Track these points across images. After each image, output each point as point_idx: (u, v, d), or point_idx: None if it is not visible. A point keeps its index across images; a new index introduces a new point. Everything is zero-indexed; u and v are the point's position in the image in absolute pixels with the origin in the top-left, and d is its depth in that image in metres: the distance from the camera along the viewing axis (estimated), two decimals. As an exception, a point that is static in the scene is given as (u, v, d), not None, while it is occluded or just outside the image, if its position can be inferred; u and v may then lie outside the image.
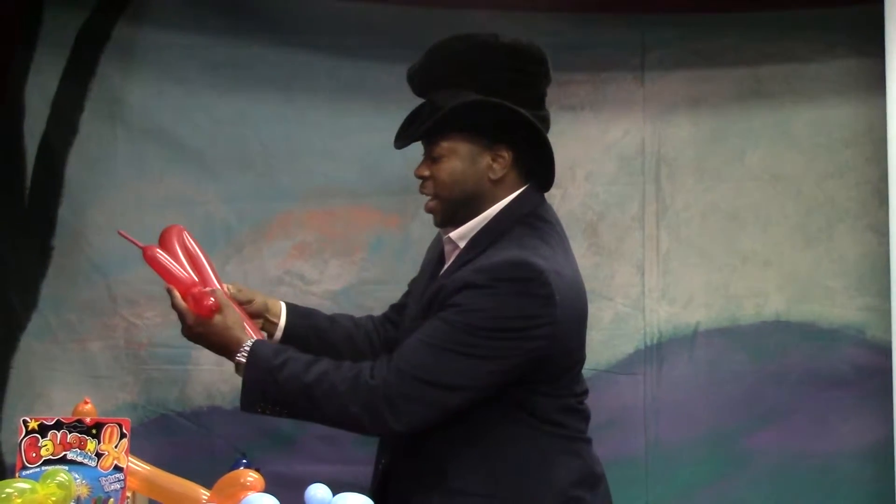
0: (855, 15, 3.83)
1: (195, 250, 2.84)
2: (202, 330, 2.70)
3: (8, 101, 3.74)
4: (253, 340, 2.68)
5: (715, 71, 3.92)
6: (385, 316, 3.15)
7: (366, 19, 3.85)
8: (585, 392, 2.81)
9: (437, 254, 2.89)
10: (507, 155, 2.71)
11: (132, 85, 3.88)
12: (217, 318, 2.69)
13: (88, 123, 3.88)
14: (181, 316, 2.71)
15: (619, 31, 3.90)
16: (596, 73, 3.92)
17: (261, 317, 2.93)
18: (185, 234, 2.85)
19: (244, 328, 2.73)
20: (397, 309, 3.11)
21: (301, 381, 2.57)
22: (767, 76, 3.92)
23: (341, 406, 2.56)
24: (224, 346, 2.69)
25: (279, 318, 2.96)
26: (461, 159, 2.71)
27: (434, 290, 2.68)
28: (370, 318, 3.14)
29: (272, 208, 3.93)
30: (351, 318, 3.13)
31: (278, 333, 2.95)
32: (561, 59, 3.76)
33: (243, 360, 2.63)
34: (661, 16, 3.88)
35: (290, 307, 3.01)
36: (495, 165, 2.71)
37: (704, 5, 3.87)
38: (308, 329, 2.98)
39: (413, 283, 3.05)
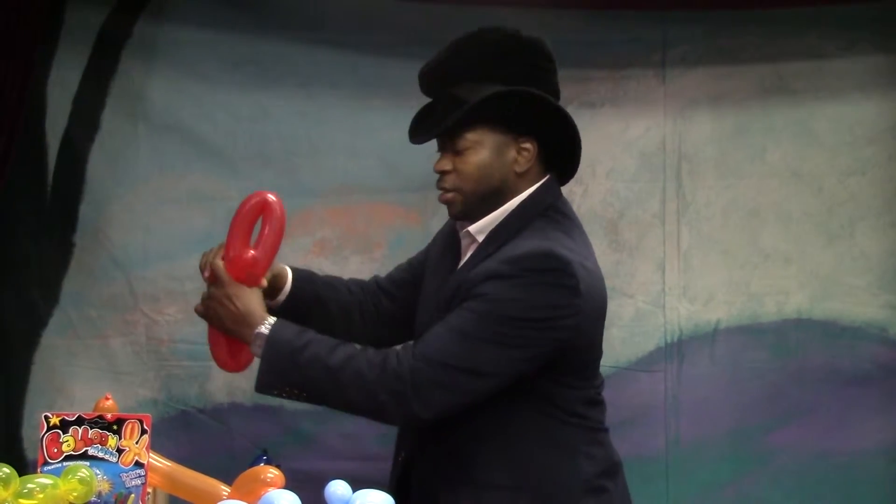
0: (878, 11, 3.82)
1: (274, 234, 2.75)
2: (227, 292, 2.64)
3: (30, 99, 3.75)
4: (274, 319, 2.63)
5: (736, 67, 3.91)
6: (379, 286, 3.07)
7: (387, 16, 3.85)
8: (602, 382, 2.82)
9: (451, 245, 2.87)
10: (531, 147, 2.70)
11: (153, 82, 3.89)
12: (246, 289, 2.65)
13: (110, 120, 3.90)
14: (216, 272, 2.66)
15: (641, 28, 3.89)
16: (617, 70, 3.92)
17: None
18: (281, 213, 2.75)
19: (265, 307, 2.69)
20: (396, 283, 3.06)
21: (325, 363, 2.54)
22: (789, 73, 3.91)
23: (369, 392, 2.53)
24: (244, 317, 2.62)
25: (286, 280, 2.89)
26: (488, 151, 2.69)
27: (454, 284, 2.67)
28: (361, 288, 3.06)
29: (293, 205, 3.87)
30: (346, 288, 3.04)
31: (282, 297, 2.88)
32: (582, 55, 3.78)
33: (265, 331, 2.58)
34: (683, 12, 3.87)
35: (294, 270, 2.93)
36: (520, 158, 2.70)
37: (726, 2, 3.86)
38: (310, 295, 2.92)
39: (417, 263, 3.03)
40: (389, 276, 3.10)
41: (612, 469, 2.76)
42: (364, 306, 3.01)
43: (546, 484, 2.64)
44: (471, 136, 2.68)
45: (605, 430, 2.79)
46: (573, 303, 2.57)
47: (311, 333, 2.61)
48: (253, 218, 2.73)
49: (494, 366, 2.55)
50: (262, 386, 2.59)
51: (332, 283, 3.04)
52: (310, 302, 2.91)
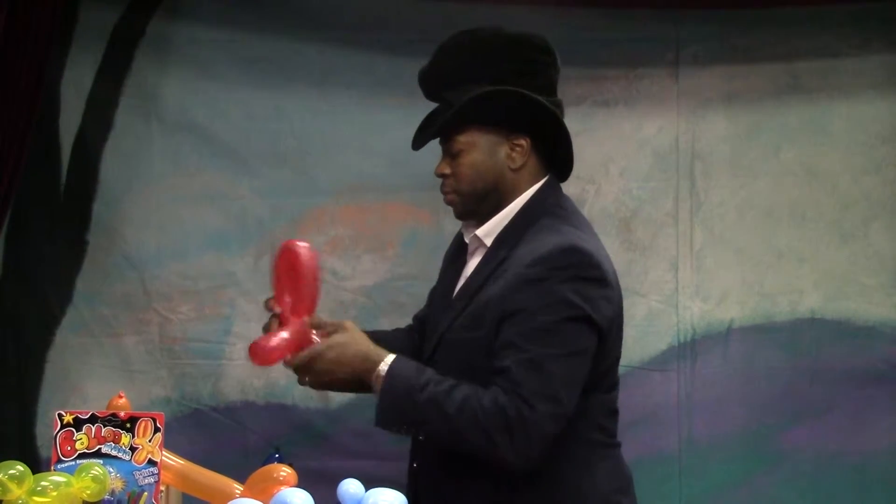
0: (891, 10, 3.81)
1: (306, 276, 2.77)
2: (336, 352, 2.63)
3: (44, 98, 3.76)
4: (393, 357, 2.62)
5: (750, 66, 3.91)
6: (412, 329, 3.11)
7: (401, 14, 3.85)
8: (618, 389, 2.81)
9: (459, 252, 2.87)
10: (524, 143, 2.71)
11: (167, 80, 3.90)
12: (345, 336, 2.66)
13: (123, 119, 3.90)
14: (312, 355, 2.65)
15: (654, 27, 3.89)
16: (630, 69, 3.91)
17: None
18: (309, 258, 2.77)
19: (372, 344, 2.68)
20: (423, 320, 3.06)
21: (442, 408, 2.52)
22: (803, 71, 3.90)
23: (486, 437, 2.49)
24: (363, 359, 2.61)
25: None
26: (480, 151, 2.71)
27: (472, 294, 2.67)
28: (410, 328, 3.11)
29: (306, 203, 3.93)
30: (394, 336, 3.04)
31: None
32: (595, 54, 3.78)
33: (386, 368, 2.57)
34: (697, 11, 3.86)
35: None
36: (514, 154, 2.71)
37: (740, 0, 3.85)
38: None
39: (433, 293, 3.03)
40: (416, 316, 3.13)
41: (627, 485, 2.77)
42: (416, 344, 3.01)
43: (565, 501, 2.64)
44: (462, 139, 2.72)
45: (619, 445, 2.79)
46: (603, 293, 2.58)
47: (430, 373, 2.59)
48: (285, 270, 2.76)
49: (572, 371, 2.55)
50: (382, 423, 2.60)
51: (392, 338, 2.99)
52: None
